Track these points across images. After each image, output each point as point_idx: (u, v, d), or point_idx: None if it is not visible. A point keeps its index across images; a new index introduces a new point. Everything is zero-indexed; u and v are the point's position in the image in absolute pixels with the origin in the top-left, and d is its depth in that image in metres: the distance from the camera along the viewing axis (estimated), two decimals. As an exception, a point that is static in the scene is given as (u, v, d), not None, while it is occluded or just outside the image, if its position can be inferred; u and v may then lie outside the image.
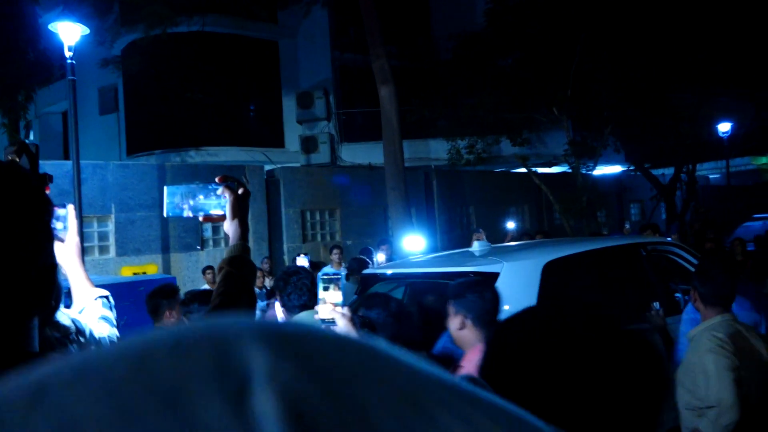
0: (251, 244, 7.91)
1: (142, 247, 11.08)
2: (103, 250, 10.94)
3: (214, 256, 11.41)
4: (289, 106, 17.65)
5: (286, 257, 12.52)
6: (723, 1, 15.85)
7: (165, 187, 1.58)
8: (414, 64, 17.08)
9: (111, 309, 1.69)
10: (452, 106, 15.57)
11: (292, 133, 17.73)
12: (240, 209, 1.55)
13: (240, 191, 1.55)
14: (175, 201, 1.57)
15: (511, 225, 10.09)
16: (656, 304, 4.42)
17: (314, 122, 17.41)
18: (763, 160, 29.31)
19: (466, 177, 16.88)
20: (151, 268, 10.23)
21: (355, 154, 16.84)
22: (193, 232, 11.58)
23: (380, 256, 8.28)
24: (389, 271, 4.96)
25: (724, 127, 19.72)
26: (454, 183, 16.42)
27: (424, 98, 15.47)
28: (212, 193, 1.55)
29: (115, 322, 1.68)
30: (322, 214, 13.94)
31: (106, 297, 1.69)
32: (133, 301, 5.28)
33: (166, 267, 11.08)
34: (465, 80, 15.50)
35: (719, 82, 17.50)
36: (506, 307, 3.96)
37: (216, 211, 1.55)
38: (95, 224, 10.78)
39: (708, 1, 15.63)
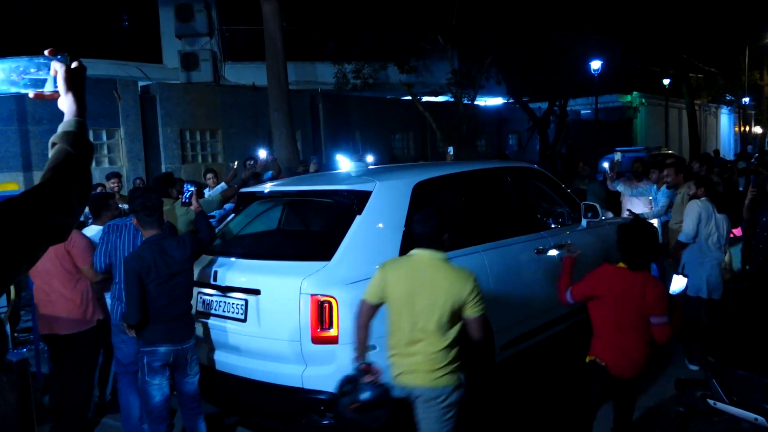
0: (126, 162, 7.67)
1: (-1, 163, 10.22)
2: (-48, 167, 9.97)
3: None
4: (167, 19, 16.47)
5: (164, 178, 12.04)
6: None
7: None
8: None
9: None
10: (339, 29, 15.31)
11: (171, 48, 16.64)
12: (74, 83, 1.44)
13: (73, 64, 1.46)
14: (1, 77, 1.40)
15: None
16: None
17: (195, 38, 16.42)
18: (628, 98, 31.67)
19: (353, 102, 16.86)
20: (11, 186, 9.48)
21: (240, 74, 16.19)
22: (60, 150, 10.82)
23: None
24: (266, 189, 4.98)
25: (595, 65, 20.98)
26: (340, 107, 16.36)
27: (311, 19, 15.05)
28: (44, 68, 1.42)
29: None
30: (203, 134, 13.43)
31: None
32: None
33: (30, 186, 10.32)
34: (352, 1, 15.22)
35: (592, 22, 18.50)
36: (380, 225, 4.20)
37: (48, 87, 1.42)
38: (-58, 138, 9.74)
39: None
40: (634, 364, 3.33)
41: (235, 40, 17.17)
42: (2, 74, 1.40)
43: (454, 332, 3.02)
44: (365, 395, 2.95)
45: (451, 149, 11.75)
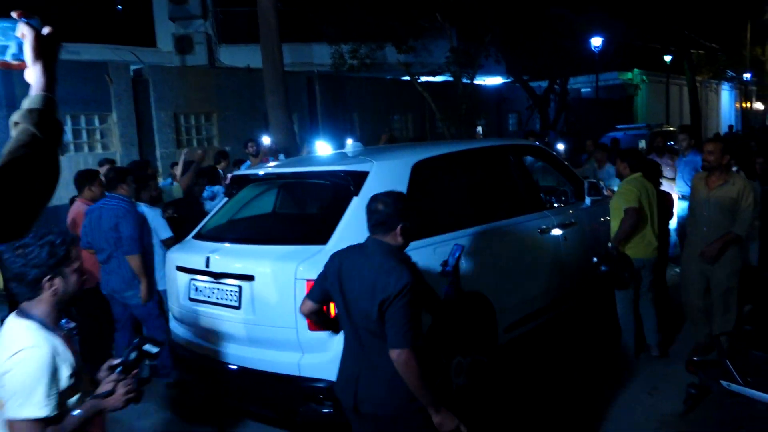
0: (119, 147, 7.52)
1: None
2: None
3: (77, 162, 10.58)
4: (161, 2, 16.20)
5: (159, 163, 11.87)
6: None
7: None
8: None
9: None
10: (336, 9, 15.04)
11: (165, 31, 16.38)
12: (44, 52, 1.24)
13: (45, 30, 1.25)
14: None
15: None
16: None
17: (189, 20, 16.15)
18: (628, 75, 31.32)
19: (350, 83, 16.62)
20: None
21: (235, 57, 15.94)
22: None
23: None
24: (261, 172, 4.82)
25: (595, 42, 20.66)
26: (337, 89, 16.13)
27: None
28: (10, 32, 1.23)
29: None
30: (198, 118, 13.23)
31: None
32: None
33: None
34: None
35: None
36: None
37: (11, 57, 1.24)
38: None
39: None
40: None
41: (230, 22, 16.90)
42: None
43: None
44: (613, 267, 4.82)
45: (479, 129, 11.46)
